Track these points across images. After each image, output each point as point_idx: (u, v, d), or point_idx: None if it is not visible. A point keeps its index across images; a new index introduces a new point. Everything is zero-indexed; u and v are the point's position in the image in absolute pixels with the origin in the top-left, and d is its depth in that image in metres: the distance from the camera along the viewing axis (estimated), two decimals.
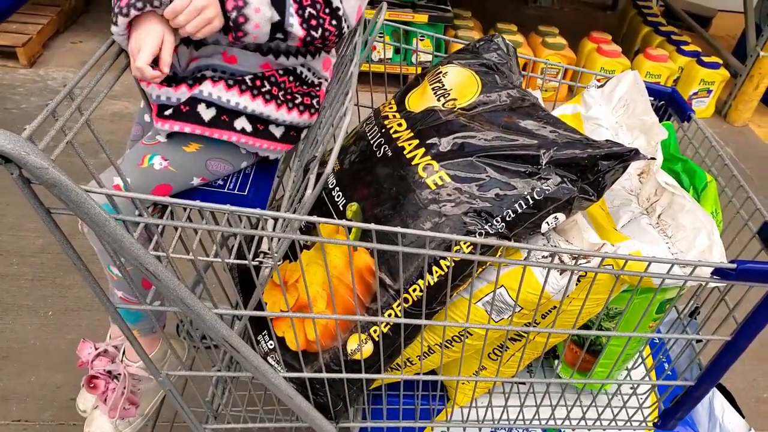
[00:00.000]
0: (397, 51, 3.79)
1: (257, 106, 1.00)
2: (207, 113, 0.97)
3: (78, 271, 0.82)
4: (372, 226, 0.82)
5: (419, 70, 1.23)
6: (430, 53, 1.49)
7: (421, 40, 3.69)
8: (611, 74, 1.31)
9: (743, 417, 1.31)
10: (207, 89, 0.96)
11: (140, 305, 0.89)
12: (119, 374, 1.22)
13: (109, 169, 0.96)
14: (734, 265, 0.89)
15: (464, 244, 0.94)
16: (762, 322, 0.96)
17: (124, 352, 1.26)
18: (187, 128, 0.96)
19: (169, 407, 1.48)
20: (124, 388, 1.21)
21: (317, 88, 1.13)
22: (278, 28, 0.93)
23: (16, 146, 0.64)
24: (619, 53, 3.85)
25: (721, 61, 3.91)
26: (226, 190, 1.05)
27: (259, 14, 0.89)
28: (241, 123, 1.00)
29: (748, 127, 4.07)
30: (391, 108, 1.16)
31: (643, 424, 1.23)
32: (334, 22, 0.98)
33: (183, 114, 0.96)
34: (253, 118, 1.01)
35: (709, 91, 3.93)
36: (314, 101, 1.11)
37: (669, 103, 1.33)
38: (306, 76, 1.11)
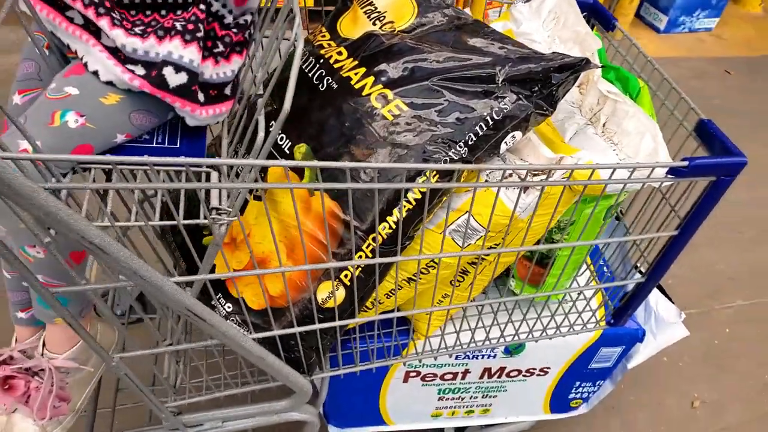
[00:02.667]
0: None
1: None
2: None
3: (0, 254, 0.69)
4: (347, 164, 0.76)
5: None
6: None
7: None
8: None
9: (673, 303, 1.42)
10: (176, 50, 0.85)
11: (79, 286, 0.77)
12: (41, 370, 1.05)
13: (9, 131, 0.80)
14: (686, 163, 0.93)
15: (431, 173, 0.90)
16: (704, 214, 1.02)
17: (44, 345, 1.08)
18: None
19: (106, 393, 1.37)
20: (52, 384, 1.05)
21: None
22: None
23: None
24: None
25: None
26: (155, 145, 0.92)
27: None
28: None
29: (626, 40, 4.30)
30: (324, 36, 1.07)
31: (597, 325, 1.30)
32: None
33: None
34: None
35: None
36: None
37: (591, 14, 1.34)
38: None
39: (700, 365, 2.16)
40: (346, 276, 0.96)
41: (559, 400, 1.54)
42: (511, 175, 0.96)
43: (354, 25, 1.06)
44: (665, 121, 1.15)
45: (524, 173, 0.93)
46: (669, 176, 0.96)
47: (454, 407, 1.48)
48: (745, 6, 5.11)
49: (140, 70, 0.84)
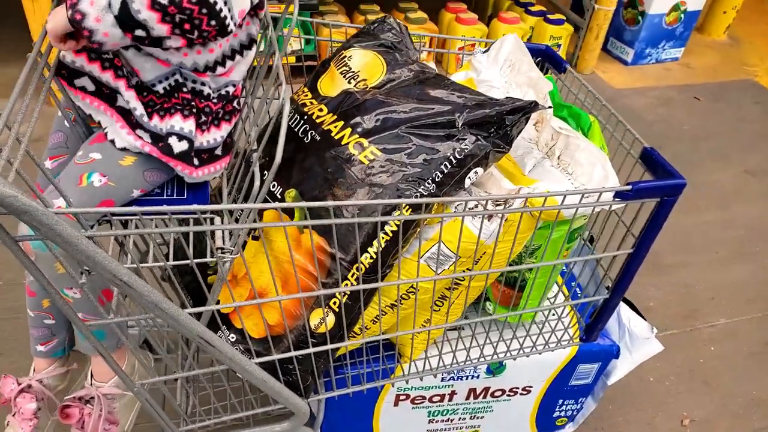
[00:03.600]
0: (307, 42, 3.75)
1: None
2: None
3: (49, 294, 0.81)
4: (330, 203, 0.89)
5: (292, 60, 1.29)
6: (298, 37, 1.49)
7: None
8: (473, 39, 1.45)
9: (645, 320, 1.53)
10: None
11: (107, 320, 0.90)
12: (92, 398, 1.20)
13: (47, 191, 0.94)
14: (630, 187, 1.06)
15: (404, 207, 1.03)
16: (655, 231, 1.15)
17: (91, 376, 1.25)
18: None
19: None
20: (101, 410, 1.19)
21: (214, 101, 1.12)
22: (127, 20, 0.87)
23: None
24: (476, 20, 4.10)
25: (564, 17, 4.29)
26: (165, 197, 1.06)
27: (95, 6, 0.86)
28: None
29: (595, 74, 4.51)
30: (306, 95, 1.22)
31: (570, 341, 1.41)
32: (204, 10, 0.90)
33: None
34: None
35: (559, 46, 4.31)
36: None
37: (545, 59, 1.50)
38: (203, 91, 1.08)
39: (686, 384, 2.23)
40: (335, 303, 1.09)
41: (545, 419, 1.63)
42: (476, 206, 1.09)
43: (332, 85, 1.21)
44: (615, 150, 1.29)
45: (486, 203, 1.06)
46: (616, 200, 1.09)
47: (445, 429, 1.57)
48: (710, 34, 5.37)
49: (148, 138, 0.99)
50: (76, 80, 1.03)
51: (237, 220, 1.06)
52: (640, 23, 4.50)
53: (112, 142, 1.01)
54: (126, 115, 1.02)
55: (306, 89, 1.24)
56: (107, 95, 1.03)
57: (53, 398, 1.24)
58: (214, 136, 1.07)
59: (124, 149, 1.00)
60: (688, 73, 4.69)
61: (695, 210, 3.12)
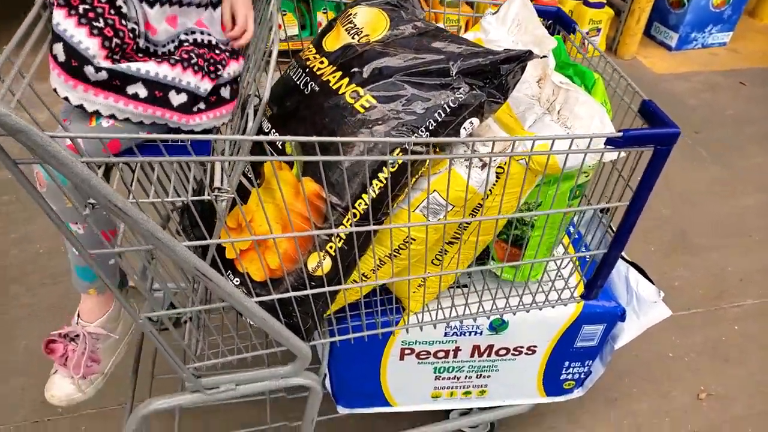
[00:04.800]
0: (302, 27, 3.87)
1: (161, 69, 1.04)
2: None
3: (57, 226, 0.89)
4: (314, 138, 0.94)
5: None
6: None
7: (325, 12, 3.78)
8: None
9: (653, 284, 1.52)
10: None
11: (111, 249, 0.96)
12: (77, 335, 1.27)
13: (57, 130, 1.01)
14: (621, 134, 1.07)
15: (397, 152, 1.07)
16: (650, 182, 1.14)
17: (78, 315, 1.31)
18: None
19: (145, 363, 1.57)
20: (85, 347, 1.26)
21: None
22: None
23: None
24: None
25: (604, 1, 4.21)
26: (170, 143, 1.12)
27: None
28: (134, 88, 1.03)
29: (636, 59, 4.42)
30: (311, 51, 1.26)
31: (572, 298, 1.41)
32: None
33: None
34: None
35: (599, 30, 4.24)
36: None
37: (556, 21, 1.51)
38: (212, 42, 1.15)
39: (707, 361, 2.20)
40: (331, 247, 1.13)
41: (552, 382, 1.64)
42: (464, 151, 1.12)
43: (336, 41, 1.25)
44: (618, 106, 1.29)
45: (472, 145, 1.09)
46: (609, 147, 1.10)
47: (452, 387, 1.60)
48: (762, 19, 5.16)
49: (143, 92, 1.03)
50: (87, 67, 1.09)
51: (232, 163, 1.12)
52: (685, 6, 4.37)
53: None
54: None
55: (311, 46, 1.28)
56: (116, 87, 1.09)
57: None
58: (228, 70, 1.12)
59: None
60: (735, 59, 4.53)
61: (733, 194, 3.04)
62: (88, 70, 0.97)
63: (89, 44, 0.95)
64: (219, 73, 1.11)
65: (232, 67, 1.13)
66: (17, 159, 0.82)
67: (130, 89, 1.02)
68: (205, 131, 1.17)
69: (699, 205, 2.93)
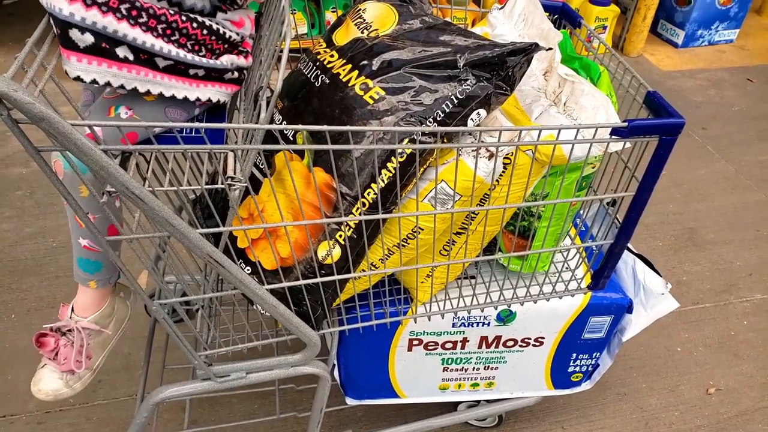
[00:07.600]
0: (312, 25, 3.90)
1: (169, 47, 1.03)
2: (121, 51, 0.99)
3: (75, 211, 0.91)
4: (325, 127, 0.96)
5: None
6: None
7: (334, 11, 3.81)
8: None
9: (660, 276, 1.53)
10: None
11: (125, 236, 0.99)
12: (69, 330, 1.27)
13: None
14: (626, 124, 1.08)
15: (407, 142, 1.09)
16: (657, 173, 1.16)
17: (72, 309, 1.32)
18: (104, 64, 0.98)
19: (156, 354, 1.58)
20: (81, 342, 1.26)
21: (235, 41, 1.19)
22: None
23: (4, 86, 0.73)
24: None
25: None
26: (184, 134, 1.15)
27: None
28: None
29: (642, 56, 4.42)
30: (321, 45, 1.29)
31: (579, 289, 1.43)
32: None
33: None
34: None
35: (605, 27, 4.24)
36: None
37: (562, 15, 1.52)
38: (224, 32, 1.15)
39: (715, 355, 2.20)
40: (340, 236, 1.15)
41: (560, 374, 1.65)
42: (472, 141, 1.14)
43: (346, 35, 1.27)
44: (623, 99, 1.30)
45: (479, 135, 1.11)
46: (614, 137, 1.11)
47: (460, 379, 1.62)
48: None
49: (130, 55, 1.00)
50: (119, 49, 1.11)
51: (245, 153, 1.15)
52: (691, 3, 4.37)
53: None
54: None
55: (322, 40, 1.31)
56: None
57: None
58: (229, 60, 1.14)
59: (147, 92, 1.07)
60: (742, 56, 4.53)
61: (741, 189, 3.04)
62: (74, 34, 0.94)
63: (63, 5, 0.92)
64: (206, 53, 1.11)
65: (231, 58, 1.15)
66: (40, 147, 0.84)
67: (120, 52, 0.99)
68: (217, 118, 1.19)
69: (706, 201, 2.93)
